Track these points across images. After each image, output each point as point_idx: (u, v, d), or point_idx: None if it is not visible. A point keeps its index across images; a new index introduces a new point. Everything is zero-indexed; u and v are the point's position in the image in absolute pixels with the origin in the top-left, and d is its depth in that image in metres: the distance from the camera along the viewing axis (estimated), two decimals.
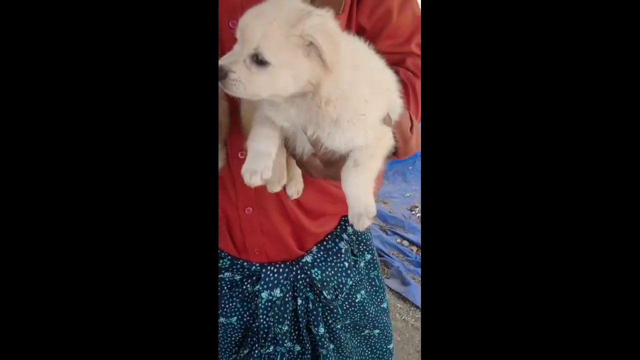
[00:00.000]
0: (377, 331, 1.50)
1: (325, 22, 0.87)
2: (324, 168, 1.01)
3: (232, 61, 0.87)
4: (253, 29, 0.85)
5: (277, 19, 0.85)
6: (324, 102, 0.91)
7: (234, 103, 1.13)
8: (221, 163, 1.09)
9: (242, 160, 1.19)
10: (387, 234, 4.14)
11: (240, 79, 0.87)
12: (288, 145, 1.06)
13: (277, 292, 1.34)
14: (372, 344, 1.51)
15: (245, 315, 1.40)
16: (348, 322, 1.44)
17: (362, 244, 1.47)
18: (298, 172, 1.22)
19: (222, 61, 0.88)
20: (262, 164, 0.98)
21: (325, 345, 1.39)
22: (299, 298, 1.36)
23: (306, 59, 0.86)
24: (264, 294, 1.35)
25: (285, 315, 1.36)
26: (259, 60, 0.86)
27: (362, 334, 1.49)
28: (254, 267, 1.35)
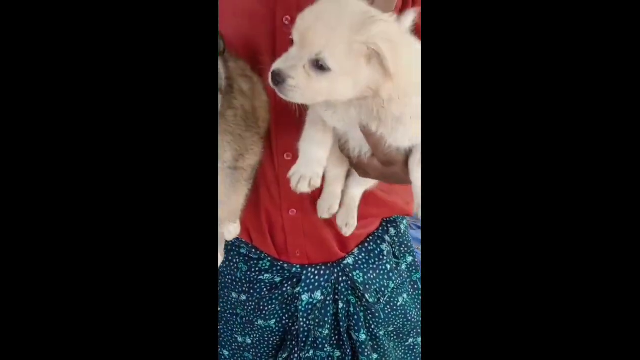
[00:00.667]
0: (420, 339, 1.46)
1: (390, 28, 0.82)
2: (383, 168, 0.98)
3: (290, 66, 0.83)
4: (316, 34, 0.81)
5: (341, 24, 0.80)
6: (387, 101, 0.86)
7: (275, 98, 1.09)
8: (256, 158, 1.04)
9: (288, 162, 1.15)
10: (412, 228, 4.08)
11: (299, 85, 0.83)
12: (342, 147, 1.02)
13: (317, 294, 1.30)
14: (418, 355, 1.46)
15: (284, 318, 1.37)
16: (391, 329, 1.40)
17: (403, 246, 1.42)
18: (352, 203, 1.20)
19: (279, 65, 0.84)
20: (312, 170, 0.97)
21: (366, 353, 1.35)
22: (340, 301, 1.32)
23: (367, 65, 0.82)
24: (305, 297, 1.31)
25: (326, 319, 1.32)
26: (319, 66, 0.82)
27: (406, 343, 1.44)
28: (294, 269, 1.31)
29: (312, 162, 0.97)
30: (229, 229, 1.10)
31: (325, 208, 1.18)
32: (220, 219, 1.07)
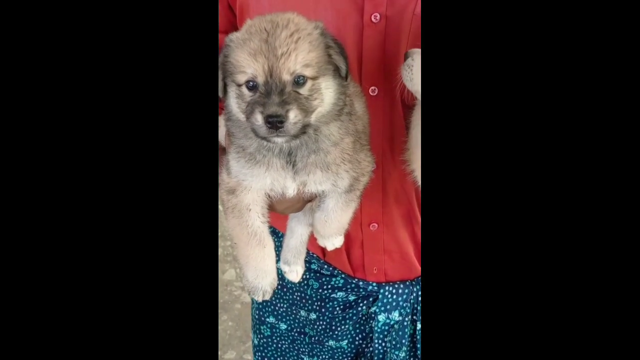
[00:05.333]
0: None
1: None
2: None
3: None
4: None
5: None
6: None
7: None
8: (369, 176, 0.97)
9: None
10: None
11: None
12: None
13: (395, 315, 1.22)
14: None
15: (357, 338, 1.28)
16: None
17: None
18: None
19: None
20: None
21: None
22: (418, 322, 1.23)
23: None
24: (381, 317, 1.22)
25: (403, 341, 1.24)
26: None
27: None
28: (370, 287, 1.22)
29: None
30: (333, 242, 1.04)
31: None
32: (327, 234, 1.00)
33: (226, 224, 0.98)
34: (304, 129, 0.82)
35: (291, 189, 0.92)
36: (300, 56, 0.80)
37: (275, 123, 0.78)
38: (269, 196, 0.95)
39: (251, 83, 0.81)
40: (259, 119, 0.79)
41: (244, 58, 0.81)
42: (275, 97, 0.78)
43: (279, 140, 0.83)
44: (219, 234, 3.54)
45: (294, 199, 0.96)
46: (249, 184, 0.92)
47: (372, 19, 0.98)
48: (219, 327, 2.98)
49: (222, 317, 3.05)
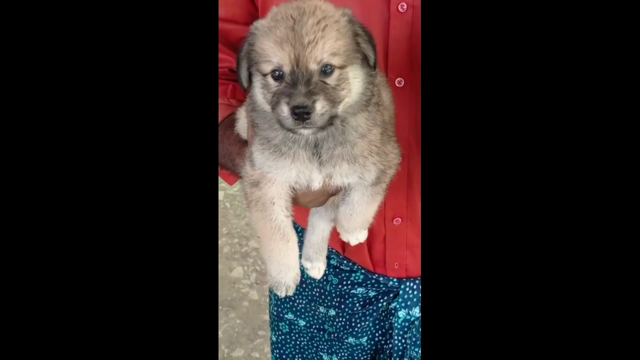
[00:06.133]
0: None
1: None
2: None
3: None
4: None
5: None
6: None
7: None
8: (396, 168, 0.96)
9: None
10: None
11: None
12: None
13: (416, 311, 1.21)
14: None
15: (377, 335, 1.27)
16: None
17: None
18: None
19: None
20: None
21: None
22: None
23: None
24: (401, 313, 1.21)
25: None
26: None
27: None
28: (391, 283, 1.21)
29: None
30: (357, 237, 1.03)
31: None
32: (352, 228, 0.99)
33: (249, 217, 0.98)
34: (331, 120, 0.80)
35: (317, 182, 0.90)
36: (328, 44, 0.78)
37: (301, 114, 0.76)
38: (293, 189, 0.94)
39: (277, 72, 0.80)
40: (284, 110, 0.77)
41: (269, 46, 0.79)
42: (301, 88, 0.77)
43: (306, 132, 0.81)
44: (227, 231, 3.53)
45: (319, 192, 0.94)
46: (273, 177, 0.91)
47: (399, 9, 0.97)
48: (227, 325, 2.97)
49: (230, 315, 3.04)
